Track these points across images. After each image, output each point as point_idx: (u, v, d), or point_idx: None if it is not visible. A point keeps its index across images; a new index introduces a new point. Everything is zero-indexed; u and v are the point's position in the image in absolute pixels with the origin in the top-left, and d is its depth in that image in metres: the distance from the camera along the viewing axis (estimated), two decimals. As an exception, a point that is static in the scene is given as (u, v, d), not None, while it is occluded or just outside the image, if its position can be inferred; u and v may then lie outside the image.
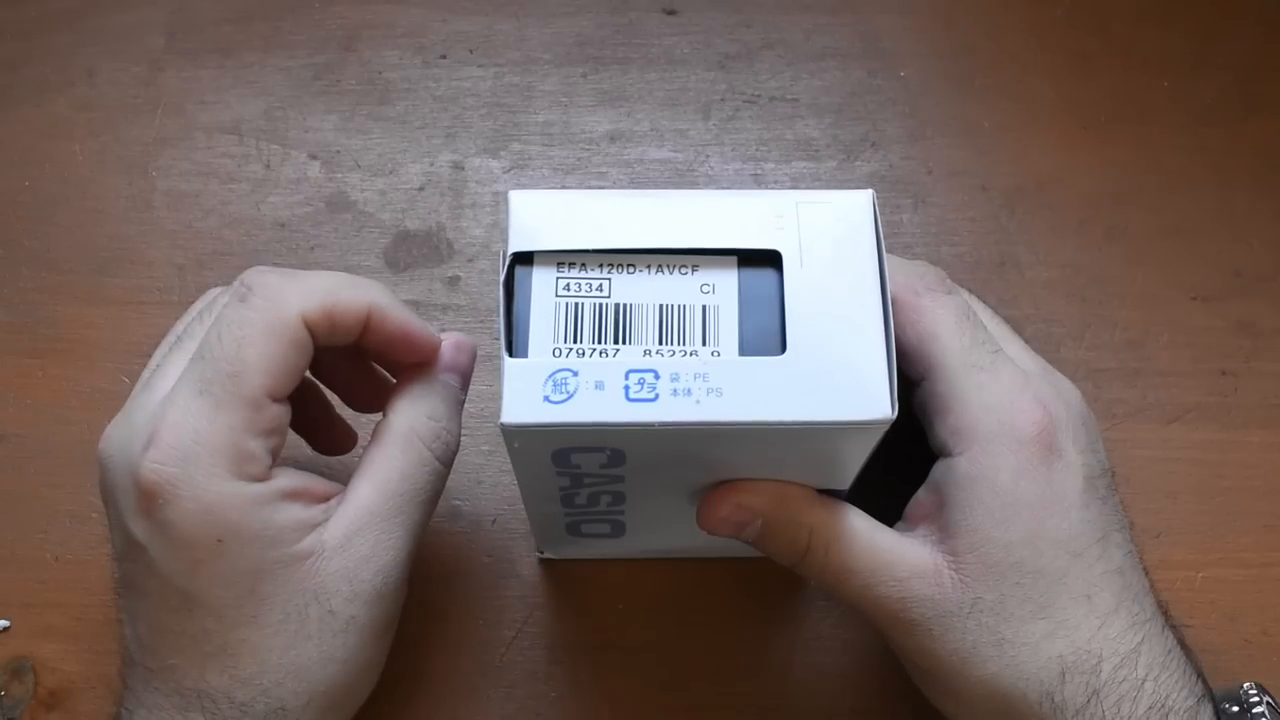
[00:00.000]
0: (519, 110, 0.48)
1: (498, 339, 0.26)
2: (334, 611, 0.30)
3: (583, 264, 0.27)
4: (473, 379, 0.42)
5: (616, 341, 0.26)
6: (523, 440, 0.26)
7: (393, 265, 0.45)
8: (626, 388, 0.26)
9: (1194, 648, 0.32)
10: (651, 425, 0.25)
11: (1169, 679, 0.30)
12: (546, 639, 0.39)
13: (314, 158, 0.47)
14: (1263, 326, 0.43)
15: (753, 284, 0.27)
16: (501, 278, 0.27)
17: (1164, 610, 0.32)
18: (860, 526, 0.30)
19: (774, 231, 0.27)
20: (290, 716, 0.30)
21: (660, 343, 0.26)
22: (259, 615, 0.30)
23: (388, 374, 0.36)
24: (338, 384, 0.37)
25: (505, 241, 0.27)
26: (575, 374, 0.26)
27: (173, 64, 0.48)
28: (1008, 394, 0.30)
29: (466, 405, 0.42)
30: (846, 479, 0.30)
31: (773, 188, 0.46)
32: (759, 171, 0.46)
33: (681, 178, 0.46)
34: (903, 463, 0.32)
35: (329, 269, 0.44)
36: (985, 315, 0.33)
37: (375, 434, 0.32)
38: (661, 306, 0.27)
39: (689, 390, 0.25)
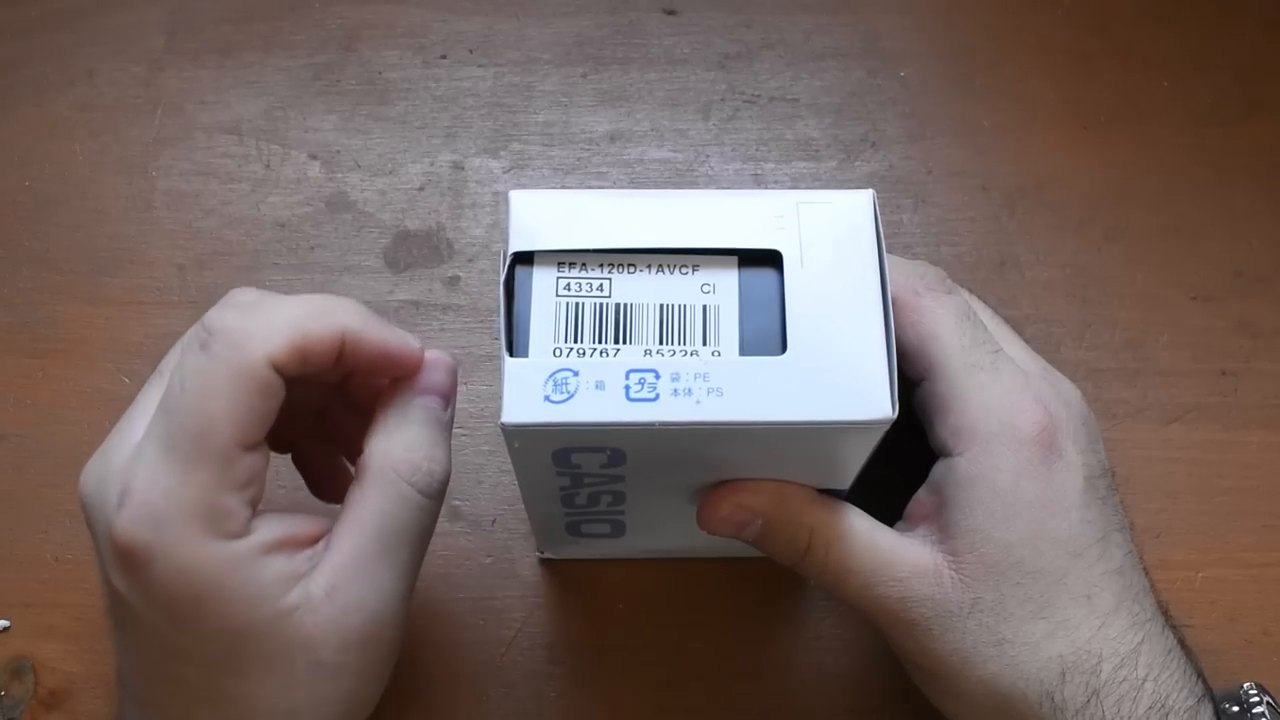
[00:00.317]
0: (519, 110, 0.48)
1: (498, 339, 0.26)
2: (322, 662, 0.29)
3: (583, 264, 0.27)
4: (473, 379, 0.42)
5: (617, 341, 0.26)
6: (523, 440, 0.26)
7: (393, 265, 0.45)
8: (627, 387, 0.26)
9: (1194, 648, 0.32)
10: (652, 425, 0.25)
11: (1169, 679, 0.30)
12: (546, 639, 0.39)
13: (314, 158, 0.47)
14: (1263, 326, 0.43)
15: (753, 284, 0.27)
16: (502, 277, 0.27)
17: (1164, 610, 0.32)
18: (860, 526, 0.30)
19: (774, 231, 0.27)
20: None
21: (661, 342, 0.26)
22: (243, 669, 0.29)
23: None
24: (326, 425, 0.35)
25: (505, 241, 0.27)
26: (576, 374, 0.26)
27: (173, 64, 0.48)
28: (1008, 394, 0.30)
29: (466, 406, 0.42)
30: (847, 479, 0.30)
31: (773, 188, 0.46)
32: (759, 171, 0.46)
33: (681, 178, 0.46)
34: (903, 463, 0.32)
35: (329, 269, 0.44)
36: (985, 315, 0.33)
37: (356, 471, 0.30)
38: (662, 306, 0.27)
39: (689, 390, 0.25)
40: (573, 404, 0.25)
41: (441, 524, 0.40)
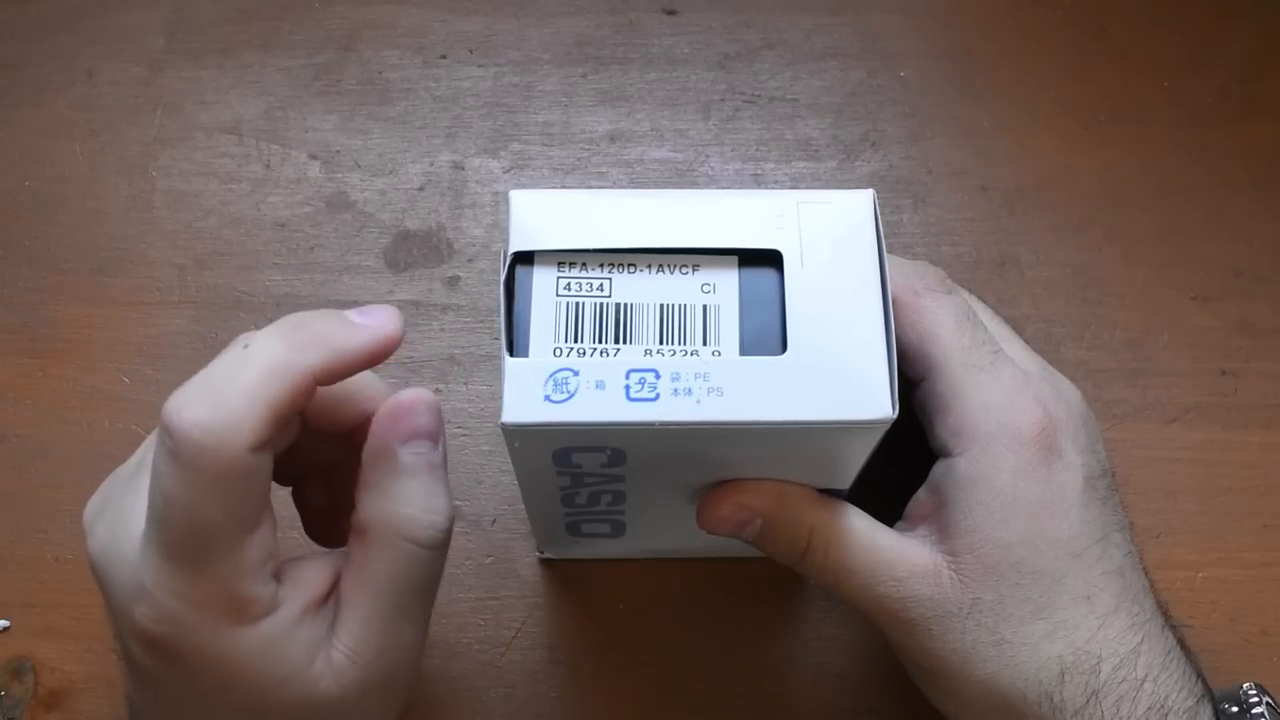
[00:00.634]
0: (519, 110, 0.48)
1: (498, 339, 0.26)
2: (346, 714, 0.29)
3: (583, 264, 0.27)
4: (472, 379, 0.42)
5: (617, 341, 0.26)
6: (523, 440, 0.26)
7: (393, 265, 0.45)
8: (627, 387, 0.26)
9: (1194, 648, 0.32)
10: (652, 425, 0.25)
11: (1168, 679, 0.30)
12: (546, 639, 0.39)
13: (314, 158, 0.47)
14: (1263, 326, 0.43)
15: (753, 284, 0.27)
16: (502, 277, 0.27)
17: (1164, 610, 0.32)
18: (860, 526, 0.30)
19: (774, 231, 0.27)
20: None
21: (661, 342, 0.26)
22: None
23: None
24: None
25: (506, 241, 0.27)
26: (576, 373, 0.26)
27: (173, 64, 0.48)
28: (1008, 394, 0.30)
29: (466, 406, 0.42)
30: (847, 479, 0.30)
31: (773, 188, 0.46)
32: (759, 171, 0.46)
33: (681, 178, 0.46)
34: (903, 463, 0.32)
35: (329, 269, 0.44)
36: (985, 315, 0.33)
37: (353, 529, 0.29)
38: (662, 306, 0.27)
39: (690, 390, 0.25)
40: (573, 404, 0.25)
41: (441, 524, 0.40)
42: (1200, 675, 0.31)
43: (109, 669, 0.38)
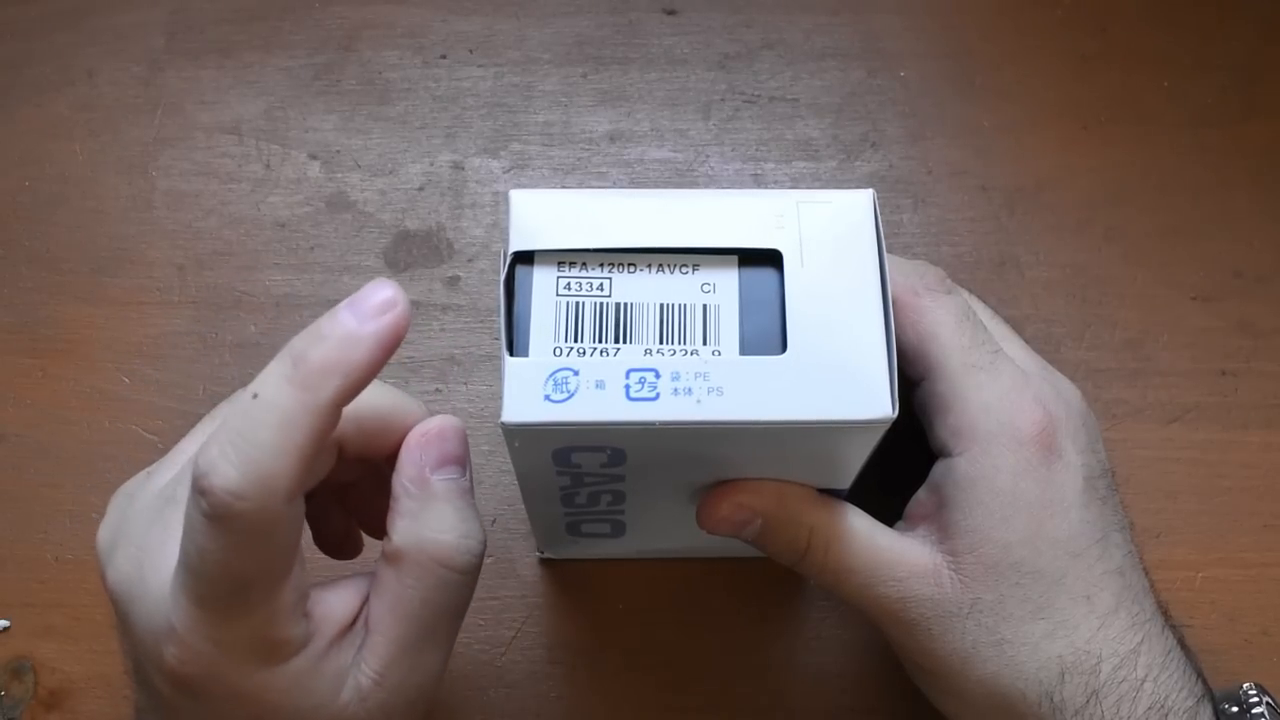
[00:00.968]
0: (519, 110, 0.48)
1: (498, 338, 0.26)
2: None
3: (583, 263, 0.27)
4: (472, 379, 0.42)
5: (617, 341, 0.26)
6: (523, 439, 0.26)
7: (393, 265, 0.45)
8: (627, 387, 0.26)
9: (1194, 648, 0.32)
10: (652, 424, 0.25)
11: (1168, 679, 0.30)
12: (546, 639, 0.39)
13: (314, 158, 0.47)
14: (1263, 326, 0.43)
15: (753, 283, 0.27)
16: (502, 277, 0.27)
17: (1164, 610, 0.32)
18: (860, 526, 0.30)
19: (774, 231, 0.27)
20: None
21: (661, 342, 0.26)
22: None
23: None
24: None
25: (506, 241, 0.27)
26: (576, 373, 0.26)
27: (173, 64, 0.48)
28: (1008, 394, 0.30)
29: (466, 406, 0.42)
30: (847, 478, 0.30)
31: (773, 188, 0.46)
32: (759, 171, 0.46)
33: (681, 178, 0.46)
34: (903, 462, 0.32)
35: (329, 269, 0.44)
36: (985, 315, 0.33)
37: (385, 555, 0.28)
38: (662, 306, 0.27)
39: (690, 389, 0.25)
40: (573, 403, 0.25)
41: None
42: (1200, 675, 0.31)
43: (109, 669, 0.38)
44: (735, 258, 0.27)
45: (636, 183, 0.46)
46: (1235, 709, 0.32)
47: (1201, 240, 0.45)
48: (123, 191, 0.46)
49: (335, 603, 0.28)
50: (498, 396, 0.25)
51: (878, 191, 0.28)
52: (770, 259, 0.27)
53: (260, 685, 0.27)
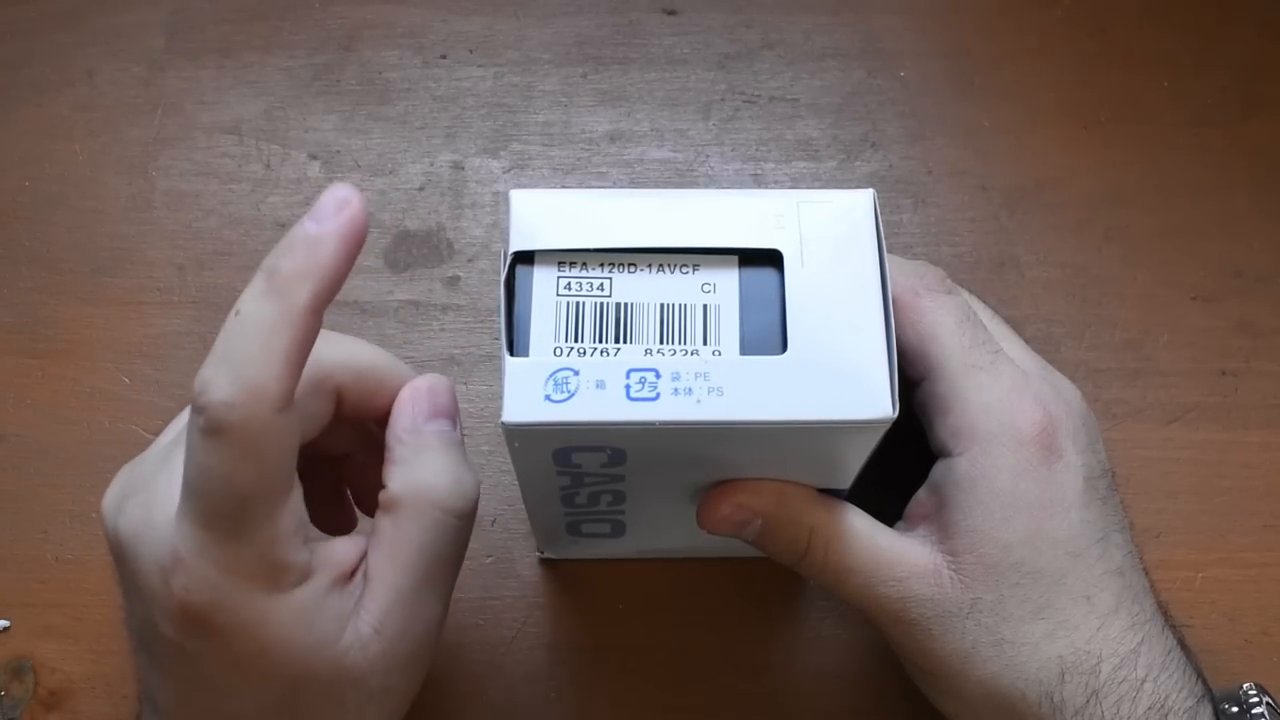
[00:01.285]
0: (519, 110, 0.48)
1: (498, 339, 0.26)
2: (371, 691, 0.29)
3: (584, 263, 0.27)
4: (472, 379, 0.42)
5: (617, 341, 0.26)
6: (523, 439, 0.26)
7: (393, 265, 0.45)
8: (627, 387, 0.26)
9: (1194, 648, 0.32)
10: (653, 424, 0.25)
11: (1168, 679, 0.30)
12: (546, 639, 0.39)
13: (314, 158, 0.47)
14: (1263, 326, 0.43)
15: (753, 283, 0.27)
16: (502, 277, 0.27)
17: (1164, 610, 0.32)
18: (860, 526, 0.30)
19: (775, 231, 0.27)
20: None
21: (661, 342, 0.26)
22: (299, 707, 0.28)
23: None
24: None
25: (506, 241, 0.27)
26: (576, 373, 0.26)
27: (173, 64, 0.48)
28: (1008, 394, 0.30)
29: (466, 406, 0.42)
30: (847, 478, 0.30)
31: (773, 188, 0.46)
32: (759, 171, 0.47)
33: (681, 178, 0.46)
34: (903, 463, 0.32)
35: (329, 269, 0.44)
36: (985, 315, 0.33)
37: (381, 505, 0.29)
38: (662, 306, 0.27)
39: (690, 389, 0.25)
40: (573, 403, 0.25)
41: (441, 524, 0.40)
42: (1200, 675, 0.31)
43: (109, 669, 0.38)
44: (735, 258, 0.27)
45: (636, 183, 0.46)
46: (1235, 709, 0.32)
47: (1201, 240, 0.45)
48: (123, 191, 0.46)
49: (336, 549, 0.29)
50: (498, 396, 0.25)
51: (878, 191, 0.28)
52: (770, 259, 0.27)
53: (264, 613, 0.27)
